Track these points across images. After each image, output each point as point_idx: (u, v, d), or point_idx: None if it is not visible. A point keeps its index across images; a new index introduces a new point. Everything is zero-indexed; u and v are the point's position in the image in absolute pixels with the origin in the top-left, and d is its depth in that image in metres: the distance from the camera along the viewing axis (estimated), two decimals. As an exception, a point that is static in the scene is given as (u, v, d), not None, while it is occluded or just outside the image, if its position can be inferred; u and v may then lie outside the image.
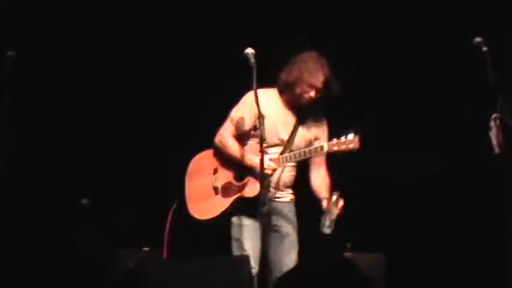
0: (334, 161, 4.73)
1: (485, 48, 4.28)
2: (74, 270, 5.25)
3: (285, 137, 4.67)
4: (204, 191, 4.70)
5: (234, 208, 4.65)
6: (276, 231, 4.65)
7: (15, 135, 4.69)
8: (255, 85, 4.32)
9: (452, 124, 5.72)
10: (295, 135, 4.65)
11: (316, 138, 4.74)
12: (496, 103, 4.22)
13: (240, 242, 4.63)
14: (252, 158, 4.55)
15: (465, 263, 5.53)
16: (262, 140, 4.33)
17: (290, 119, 4.71)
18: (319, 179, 4.70)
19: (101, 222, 5.51)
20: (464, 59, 4.93)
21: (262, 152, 4.29)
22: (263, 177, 4.33)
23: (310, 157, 4.62)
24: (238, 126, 4.70)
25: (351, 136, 4.51)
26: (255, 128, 4.55)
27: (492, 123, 4.22)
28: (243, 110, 4.70)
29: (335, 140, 4.54)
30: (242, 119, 4.68)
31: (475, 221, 5.51)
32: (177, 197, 4.86)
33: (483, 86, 4.20)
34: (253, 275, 4.49)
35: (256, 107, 4.35)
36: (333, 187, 4.63)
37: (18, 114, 4.85)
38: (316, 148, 4.57)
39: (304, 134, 4.72)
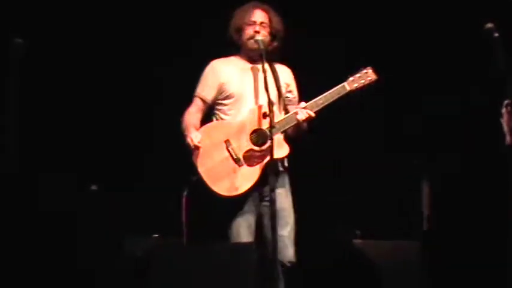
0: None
1: (496, 34, 4.24)
2: (82, 259, 5.25)
3: (252, 90, 4.63)
4: (224, 167, 4.51)
5: None
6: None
7: (23, 121, 4.70)
8: (263, 64, 4.39)
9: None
10: (267, 84, 4.47)
11: (287, 85, 4.71)
12: (507, 90, 4.18)
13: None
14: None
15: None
16: (272, 127, 4.34)
17: (254, 72, 4.66)
18: None
19: (109, 208, 5.50)
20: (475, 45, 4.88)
21: (272, 139, 4.30)
22: (273, 163, 4.32)
23: (334, 101, 4.54)
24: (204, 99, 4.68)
25: (365, 70, 4.58)
26: (264, 115, 4.51)
27: (504, 110, 4.19)
28: (206, 83, 4.69)
29: (352, 78, 4.56)
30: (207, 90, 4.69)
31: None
32: (187, 183, 4.66)
33: (494, 72, 4.17)
34: None
35: (217, 76, 4.59)
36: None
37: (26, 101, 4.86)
38: (338, 89, 4.54)
39: (272, 83, 4.65)
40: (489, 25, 4.26)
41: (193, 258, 4.30)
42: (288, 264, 4.57)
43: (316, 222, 5.42)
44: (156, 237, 5.14)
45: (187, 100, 4.86)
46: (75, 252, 5.19)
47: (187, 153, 4.59)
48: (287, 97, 4.69)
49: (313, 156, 4.79)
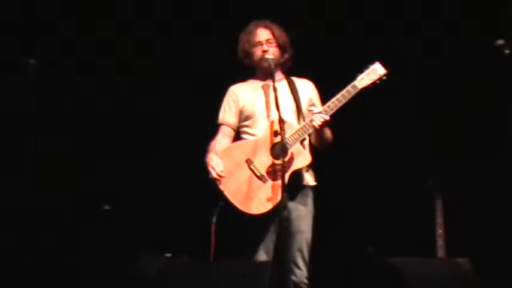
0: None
1: (507, 51, 4.24)
2: (97, 277, 5.25)
3: (267, 108, 4.65)
4: (250, 186, 4.48)
5: None
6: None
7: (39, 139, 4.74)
8: (273, 85, 4.43)
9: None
10: (278, 102, 4.43)
11: (310, 99, 4.72)
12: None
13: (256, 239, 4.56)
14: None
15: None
16: (283, 145, 4.35)
17: (268, 90, 4.65)
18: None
19: (123, 227, 5.52)
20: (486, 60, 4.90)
21: (284, 161, 4.31)
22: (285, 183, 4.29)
23: (347, 102, 4.54)
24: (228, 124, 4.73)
25: (373, 66, 4.60)
26: (275, 133, 4.51)
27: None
28: (226, 109, 4.75)
29: (361, 75, 4.58)
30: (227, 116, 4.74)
31: None
32: (213, 210, 4.56)
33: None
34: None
35: (236, 101, 4.66)
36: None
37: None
38: (348, 89, 4.54)
39: (291, 98, 4.68)
40: (500, 41, 4.27)
41: (207, 276, 4.29)
42: (302, 285, 4.57)
43: (331, 240, 5.40)
44: (169, 256, 5.15)
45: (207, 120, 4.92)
46: (87, 271, 5.21)
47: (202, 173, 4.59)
48: (311, 110, 4.66)
49: (328, 174, 4.76)
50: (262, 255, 4.54)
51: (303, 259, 4.58)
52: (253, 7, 5.45)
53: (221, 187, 4.49)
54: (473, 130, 5.80)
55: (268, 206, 4.45)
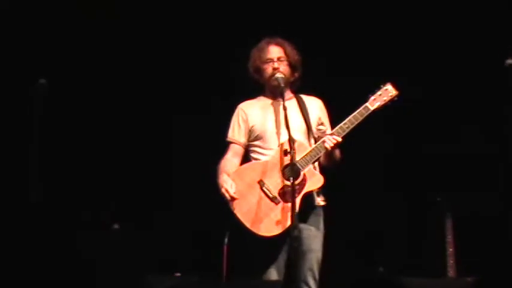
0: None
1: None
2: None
3: (278, 127, 4.62)
4: (262, 207, 4.46)
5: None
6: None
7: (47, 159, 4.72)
8: (284, 102, 4.41)
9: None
10: (288, 119, 4.41)
11: (318, 118, 4.71)
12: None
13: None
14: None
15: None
16: (293, 164, 4.33)
17: (278, 109, 4.62)
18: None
19: (132, 247, 5.51)
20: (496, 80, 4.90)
21: (293, 182, 4.29)
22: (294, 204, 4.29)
23: (359, 123, 4.52)
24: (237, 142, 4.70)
25: (385, 87, 4.57)
26: (285, 152, 4.50)
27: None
28: (236, 128, 4.72)
29: (373, 96, 4.55)
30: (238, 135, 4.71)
31: None
32: (226, 229, 4.60)
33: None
34: None
35: (246, 120, 4.63)
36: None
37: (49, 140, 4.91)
38: (361, 111, 4.52)
39: (300, 116, 4.67)
40: (510, 61, 4.27)
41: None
42: None
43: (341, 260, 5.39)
44: (178, 275, 5.14)
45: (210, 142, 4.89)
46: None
47: (212, 193, 4.58)
48: (320, 129, 4.68)
49: (338, 193, 4.75)
50: (273, 274, 4.52)
51: (314, 278, 4.56)
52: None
53: (233, 209, 4.49)
54: (484, 148, 5.79)
55: (279, 229, 4.43)
